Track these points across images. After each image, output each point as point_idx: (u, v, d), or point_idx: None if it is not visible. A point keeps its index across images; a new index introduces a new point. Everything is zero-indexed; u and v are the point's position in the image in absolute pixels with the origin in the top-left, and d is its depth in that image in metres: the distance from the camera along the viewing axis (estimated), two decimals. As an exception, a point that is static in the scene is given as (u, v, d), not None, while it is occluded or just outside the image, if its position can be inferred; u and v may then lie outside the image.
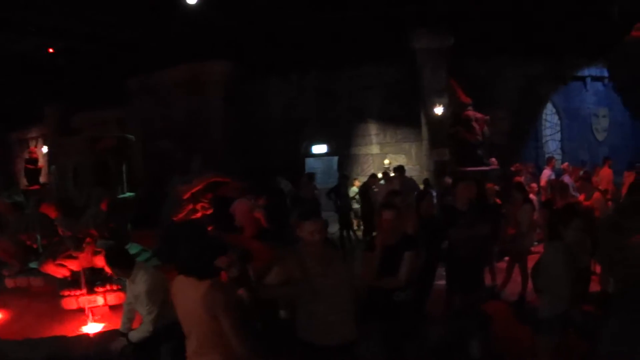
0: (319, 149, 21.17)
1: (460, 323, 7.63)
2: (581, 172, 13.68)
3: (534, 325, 6.22)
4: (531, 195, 12.65)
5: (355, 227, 16.99)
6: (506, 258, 10.52)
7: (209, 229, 8.39)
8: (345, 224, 16.01)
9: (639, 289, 3.31)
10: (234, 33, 18.13)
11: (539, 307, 6.10)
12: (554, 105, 21.82)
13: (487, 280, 10.05)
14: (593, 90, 21.77)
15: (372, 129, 20.90)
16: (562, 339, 5.86)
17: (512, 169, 15.78)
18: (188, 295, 4.15)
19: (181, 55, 18.80)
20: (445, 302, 8.27)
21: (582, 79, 21.66)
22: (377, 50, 18.15)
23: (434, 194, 14.06)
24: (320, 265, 5.06)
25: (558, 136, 21.96)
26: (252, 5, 15.97)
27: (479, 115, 18.25)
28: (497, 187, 12.39)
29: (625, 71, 3.16)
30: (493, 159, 17.75)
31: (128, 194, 11.77)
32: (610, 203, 11.99)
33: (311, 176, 16.90)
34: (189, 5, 13.46)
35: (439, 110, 18.23)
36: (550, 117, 21.85)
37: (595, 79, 21.52)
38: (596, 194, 10.83)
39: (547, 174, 16.28)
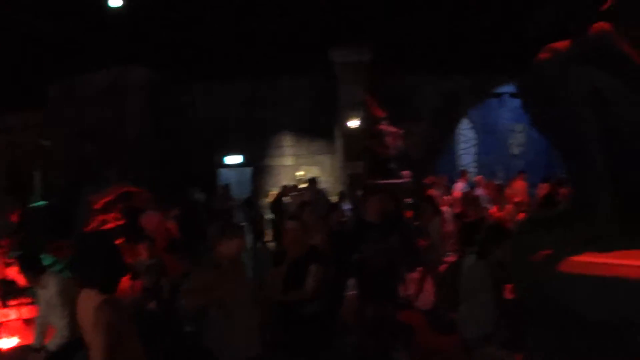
0: (234, 159, 20.85)
1: (380, 333, 7.73)
2: (494, 185, 14.14)
3: (462, 339, 6.23)
4: (444, 207, 12.92)
5: (268, 239, 16.88)
6: (419, 269, 10.70)
7: (120, 240, 8.29)
8: (259, 235, 15.91)
9: (536, 303, 3.39)
10: (156, 39, 17.86)
11: (462, 322, 6.15)
12: (471, 120, 22.35)
13: (401, 290, 10.23)
14: (511, 107, 22.17)
15: (287, 140, 20.81)
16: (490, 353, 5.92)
17: (426, 181, 16.06)
18: (87, 306, 4.09)
19: (103, 60, 18.39)
20: (358, 313, 8.35)
21: (500, 95, 22.20)
22: (295, 62, 18.15)
23: (348, 206, 14.23)
24: (229, 280, 5.07)
25: (473, 150, 22.51)
26: (175, 11, 15.79)
27: (392, 129, 18.46)
28: (409, 200, 12.60)
29: (532, 92, 3.30)
30: (406, 172, 17.99)
31: (40, 203, 11.48)
32: (523, 215, 12.36)
33: (226, 187, 16.84)
34: (112, 8, 13.22)
35: (354, 123, 18.35)
36: (466, 132, 22.37)
37: (513, 95, 22.04)
38: (508, 206, 11.14)
39: (460, 186, 16.59)
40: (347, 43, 17.76)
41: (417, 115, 20.33)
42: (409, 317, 9.26)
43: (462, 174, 17.65)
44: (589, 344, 2.98)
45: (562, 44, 3.29)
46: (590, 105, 3.10)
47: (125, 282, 4.98)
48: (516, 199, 12.05)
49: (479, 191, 14.50)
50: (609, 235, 3.09)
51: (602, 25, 3.20)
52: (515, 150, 22.95)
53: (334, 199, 15.75)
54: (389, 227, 8.24)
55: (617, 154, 3.20)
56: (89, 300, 4.03)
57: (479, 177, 17.22)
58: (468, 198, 11.52)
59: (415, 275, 10.75)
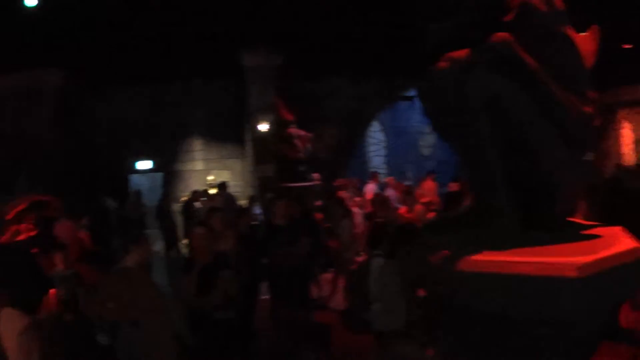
0: (145, 165, 20.51)
1: (294, 336, 7.83)
2: (403, 186, 14.46)
3: (376, 336, 6.35)
4: (355, 209, 13.13)
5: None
6: (332, 270, 10.85)
7: (34, 251, 8.11)
8: (171, 242, 15.70)
9: (441, 300, 3.55)
10: (69, 41, 17.35)
11: (375, 320, 6.29)
12: (381, 123, 22.76)
13: (314, 292, 10.37)
14: (420, 109, 22.56)
15: (197, 144, 20.65)
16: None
17: (336, 183, 16.27)
18: (9, 328, 4.02)
19: (15, 62, 17.73)
20: (271, 317, 8.44)
21: (410, 98, 22.60)
22: (206, 66, 18.04)
23: (259, 210, 14.30)
24: (137, 289, 5.07)
25: (383, 152, 22.93)
26: (87, 13, 15.42)
27: (301, 132, 18.60)
28: (319, 202, 12.75)
29: (431, 100, 3.42)
30: (316, 175, 18.18)
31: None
32: (432, 214, 12.68)
33: (138, 194, 16.65)
34: (27, 8, 12.85)
35: (264, 127, 18.42)
36: (376, 134, 22.76)
37: (422, 98, 22.42)
38: (417, 206, 11.38)
39: (371, 187, 16.86)
40: (258, 47, 17.76)
41: (328, 118, 20.54)
42: (324, 317, 9.39)
43: (373, 176, 17.96)
44: (489, 337, 3.16)
45: (460, 53, 3.43)
46: (488, 111, 3.26)
47: (48, 297, 4.91)
48: (424, 199, 12.32)
49: (389, 192, 14.80)
50: (507, 235, 3.27)
51: (502, 35, 3.36)
52: (425, 152, 23.49)
53: (244, 203, 15.78)
54: (298, 230, 8.37)
55: (514, 157, 3.39)
56: (11, 322, 3.98)
57: (389, 179, 17.55)
58: (378, 199, 11.74)
59: (328, 276, 10.91)
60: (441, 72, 3.41)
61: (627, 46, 20.52)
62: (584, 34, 3.93)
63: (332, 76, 20.21)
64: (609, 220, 8.69)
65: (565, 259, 2.86)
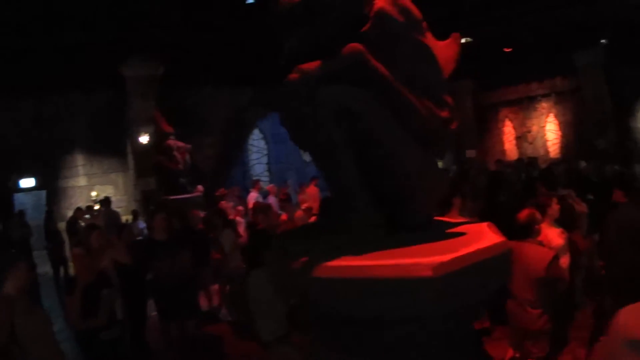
0: (28, 182, 19.59)
1: (185, 349, 7.82)
2: (284, 193, 14.62)
3: (262, 345, 6.40)
4: (238, 218, 13.17)
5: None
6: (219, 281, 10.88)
7: None
8: (59, 263, 15.29)
9: (307, 307, 3.64)
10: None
11: (259, 329, 6.36)
12: (261, 131, 22.85)
13: (204, 303, 10.37)
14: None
15: (79, 159, 20.06)
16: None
17: (218, 193, 16.27)
18: None
19: None
20: (162, 332, 8.39)
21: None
22: (85, 76, 17.50)
23: (142, 225, 14.13)
24: (19, 314, 4.94)
25: (265, 159, 23.05)
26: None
27: (180, 144, 18.53)
28: (201, 213, 12.73)
29: (285, 110, 3.49)
30: (199, 186, 18.10)
31: None
32: (314, 219, 12.85)
33: (21, 214, 16.14)
34: None
35: (144, 139, 18.18)
36: (257, 142, 22.85)
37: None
38: (298, 213, 11.55)
39: (253, 196, 16.93)
40: (138, 57, 17.49)
41: (208, 128, 20.48)
42: (214, 329, 9.43)
43: (255, 184, 18.04)
44: (355, 339, 3.27)
45: (311, 65, 3.50)
46: (340, 121, 3.35)
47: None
48: (305, 205, 12.51)
49: (271, 200, 14.93)
50: (369, 239, 3.38)
51: (354, 45, 3.45)
52: (307, 157, 23.74)
53: (129, 217, 15.54)
54: (178, 243, 8.37)
55: (371, 163, 3.51)
56: None
57: (270, 186, 17.70)
58: (259, 207, 11.80)
59: (216, 287, 10.93)
60: (292, 84, 3.49)
61: (508, 49, 21.63)
62: (445, 41, 4.11)
63: (211, 85, 20.15)
64: (490, 212, 9.18)
65: (421, 259, 2.94)
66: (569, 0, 16.78)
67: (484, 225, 3.90)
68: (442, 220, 4.18)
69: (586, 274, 8.43)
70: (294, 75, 3.51)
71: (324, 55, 3.54)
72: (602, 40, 21.78)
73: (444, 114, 3.66)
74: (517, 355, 6.76)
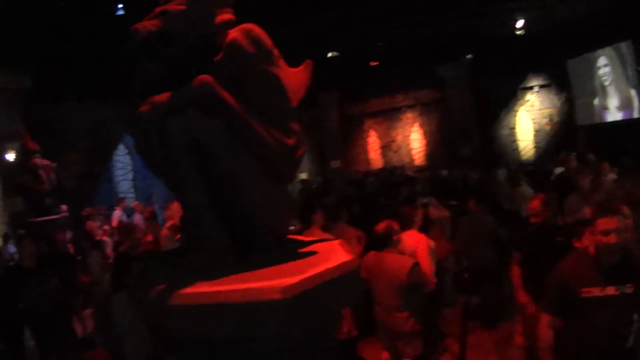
0: None
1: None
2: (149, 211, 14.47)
3: None
4: (105, 238, 12.95)
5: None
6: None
7: None
8: None
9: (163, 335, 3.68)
10: None
11: (128, 352, 6.30)
12: (126, 146, 22.42)
13: (79, 329, 10.11)
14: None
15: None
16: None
17: (84, 213, 15.89)
18: None
19: None
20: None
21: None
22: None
23: (13, 249, 13.61)
24: None
25: (130, 175, 22.62)
26: None
27: (45, 162, 17.86)
28: (68, 235, 12.43)
29: (138, 140, 3.55)
30: (63, 206, 17.55)
31: None
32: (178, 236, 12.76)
33: None
34: None
35: (10, 156, 17.45)
36: (122, 158, 22.40)
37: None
38: (163, 231, 11.47)
39: (117, 214, 16.67)
40: (3, 68, 16.54)
41: (73, 143, 19.94)
42: (93, 355, 9.22)
43: (119, 202, 17.75)
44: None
45: (162, 97, 3.54)
46: (190, 151, 3.45)
47: None
48: (169, 223, 12.44)
49: (137, 218, 14.74)
50: (221, 264, 3.48)
51: (203, 77, 3.54)
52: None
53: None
54: (47, 269, 8.19)
55: (221, 191, 3.62)
56: None
57: (135, 203, 17.45)
58: (122, 227, 11.66)
59: (88, 312, 10.68)
60: (143, 116, 3.56)
61: (373, 63, 22.32)
62: (297, 68, 4.25)
63: (76, 99, 19.64)
64: (359, 221, 9.44)
65: (270, 282, 3.04)
66: (434, 19, 17.58)
67: (335, 243, 4.04)
68: (295, 240, 4.29)
69: (454, 274, 8.85)
70: (145, 107, 3.57)
71: (177, 84, 3.60)
72: (468, 56, 23.00)
73: (291, 141, 3.80)
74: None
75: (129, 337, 6.11)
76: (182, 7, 3.77)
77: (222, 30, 3.83)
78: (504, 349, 8.28)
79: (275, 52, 3.93)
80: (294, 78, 4.06)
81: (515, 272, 7.42)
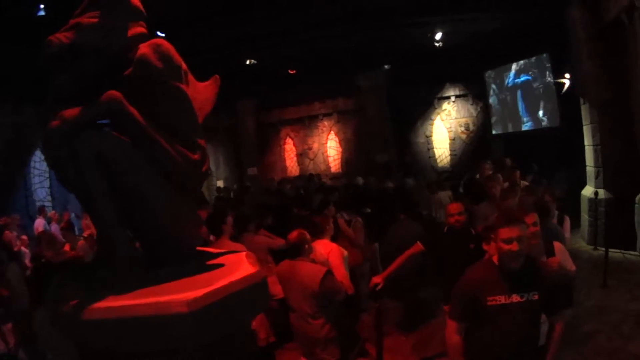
0: None
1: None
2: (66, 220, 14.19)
3: None
4: (23, 248, 12.66)
5: None
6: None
7: None
8: None
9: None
10: None
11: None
12: (43, 153, 21.87)
13: (1, 346, 9.87)
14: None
15: None
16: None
17: (0, 222, 15.48)
18: None
19: None
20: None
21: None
22: None
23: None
24: None
25: (47, 183, 22.09)
26: None
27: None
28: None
29: (48, 155, 3.55)
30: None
31: None
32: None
33: None
34: None
35: None
36: (39, 165, 21.86)
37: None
38: (80, 242, 11.31)
39: (40, 222, 16.36)
40: None
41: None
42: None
43: (41, 211, 17.35)
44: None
45: (71, 112, 3.60)
46: (97, 165, 3.51)
47: None
48: (86, 232, 12.27)
49: (54, 227, 14.44)
50: (131, 277, 3.55)
51: (111, 93, 3.61)
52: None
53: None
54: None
55: (129, 206, 3.69)
56: None
57: (52, 213, 17.09)
58: (44, 237, 11.41)
59: (9, 326, 10.43)
60: (53, 131, 3.59)
61: (292, 72, 22.43)
62: (205, 82, 4.34)
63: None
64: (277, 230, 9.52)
65: (177, 296, 3.14)
66: (353, 29, 17.84)
67: (242, 255, 4.17)
68: (205, 251, 4.40)
69: (369, 280, 9.01)
70: (55, 122, 3.60)
71: (88, 97, 3.64)
72: (386, 66, 23.37)
73: (195, 156, 3.91)
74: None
75: (53, 350, 6.05)
76: (95, 20, 3.83)
77: (134, 44, 3.92)
78: (422, 352, 8.47)
79: (184, 67, 4.01)
80: (202, 93, 4.16)
81: None
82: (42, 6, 13.47)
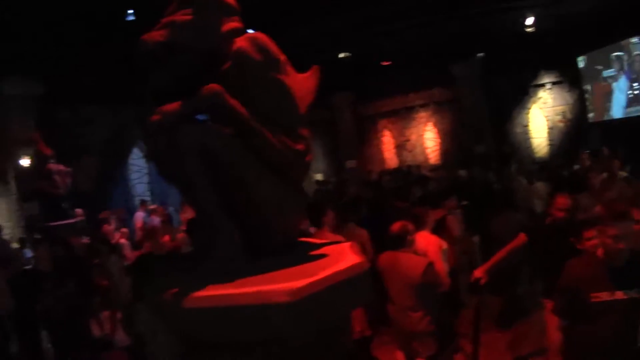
0: None
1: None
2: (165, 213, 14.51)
3: None
4: (123, 240, 13.02)
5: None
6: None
7: None
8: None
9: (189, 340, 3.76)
10: None
11: (153, 355, 6.35)
12: (141, 150, 22.49)
13: (96, 331, 10.20)
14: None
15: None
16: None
17: (101, 216, 15.96)
18: None
19: None
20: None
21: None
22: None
23: (30, 253, 13.68)
24: None
25: (146, 179, 22.68)
26: None
27: (61, 167, 17.90)
28: (85, 239, 12.50)
29: (149, 148, 3.63)
30: (79, 210, 17.61)
31: None
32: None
33: None
34: None
35: (25, 162, 17.57)
36: (137, 161, 22.45)
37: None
38: (180, 234, 11.54)
39: (140, 215, 16.81)
40: (17, 74, 16.76)
41: (88, 148, 20.01)
42: (110, 356, 9.31)
43: (142, 204, 17.82)
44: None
45: (172, 106, 3.63)
46: (200, 158, 3.52)
47: None
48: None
49: (155, 220, 14.81)
50: (232, 267, 3.55)
51: (212, 86, 3.61)
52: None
53: (16, 245, 14.99)
54: (63, 273, 8.28)
55: (232, 196, 3.70)
56: None
57: (153, 206, 17.52)
58: (146, 229, 11.73)
59: (107, 313, 10.77)
60: (154, 125, 3.63)
61: (385, 63, 22.30)
62: (305, 74, 4.31)
63: (91, 103, 19.72)
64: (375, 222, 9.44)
65: (279, 285, 3.11)
66: (445, 18, 17.58)
67: (346, 245, 4.12)
68: (306, 242, 4.38)
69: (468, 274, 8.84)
70: (155, 117, 3.64)
71: (186, 93, 3.67)
72: (479, 54, 22.92)
73: (299, 146, 3.88)
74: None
75: (153, 340, 6.16)
76: (189, 17, 3.86)
77: (229, 39, 3.92)
78: (517, 350, 8.26)
79: (282, 59, 3.99)
80: (302, 84, 4.12)
81: None
82: (131, 11, 13.80)
